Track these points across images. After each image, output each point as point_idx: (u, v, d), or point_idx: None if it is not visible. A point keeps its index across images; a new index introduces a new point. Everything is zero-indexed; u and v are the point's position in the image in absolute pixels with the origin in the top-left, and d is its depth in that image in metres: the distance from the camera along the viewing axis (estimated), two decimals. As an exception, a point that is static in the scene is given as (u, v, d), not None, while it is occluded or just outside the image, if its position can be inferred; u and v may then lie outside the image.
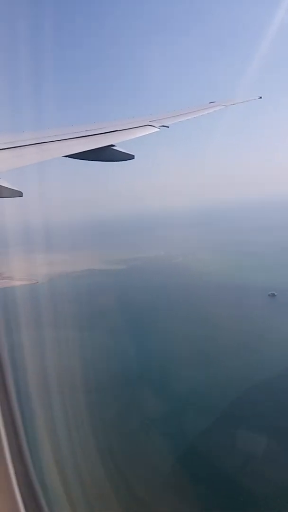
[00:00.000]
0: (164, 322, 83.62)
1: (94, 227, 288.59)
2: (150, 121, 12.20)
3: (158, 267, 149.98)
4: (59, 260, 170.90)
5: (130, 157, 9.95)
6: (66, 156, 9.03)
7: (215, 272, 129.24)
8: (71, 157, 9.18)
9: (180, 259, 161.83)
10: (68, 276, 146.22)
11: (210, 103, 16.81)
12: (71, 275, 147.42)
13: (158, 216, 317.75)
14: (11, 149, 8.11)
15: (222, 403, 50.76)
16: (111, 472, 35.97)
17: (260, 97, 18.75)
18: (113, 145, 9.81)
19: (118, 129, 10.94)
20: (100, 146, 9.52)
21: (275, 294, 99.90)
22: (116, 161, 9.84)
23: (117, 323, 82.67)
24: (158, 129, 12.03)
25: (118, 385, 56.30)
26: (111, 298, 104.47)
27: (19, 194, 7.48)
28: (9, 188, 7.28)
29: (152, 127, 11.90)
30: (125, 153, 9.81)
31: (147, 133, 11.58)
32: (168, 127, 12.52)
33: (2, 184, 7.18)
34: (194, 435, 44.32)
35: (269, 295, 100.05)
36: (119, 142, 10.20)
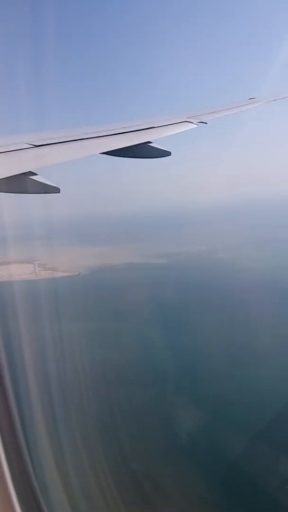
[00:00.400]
0: (212, 318, 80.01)
1: (132, 221, 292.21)
2: (188, 117, 12.11)
3: (200, 261, 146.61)
4: (99, 253, 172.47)
5: (166, 153, 9.94)
6: (103, 153, 9.15)
7: (262, 269, 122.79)
8: (108, 154, 9.29)
9: (222, 254, 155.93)
10: (109, 268, 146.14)
11: (249, 99, 16.47)
12: (112, 268, 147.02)
13: (195, 211, 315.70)
14: (49, 145, 8.29)
15: (273, 406, 49.25)
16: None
17: None
18: (149, 142, 9.83)
19: (155, 126, 10.94)
20: (137, 143, 9.56)
21: None
22: (153, 157, 9.86)
23: (161, 317, 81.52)
24: (196, 125, 11.93)
25: (156, 381, 56.25)
26: (154, 292, 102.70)
27: (56, 190, 7.65)
28: (47, 184, 7.47)
29: (190, 123, 11.81)
30: (161, 149, 9.81)
31: (185, 129, 11.52)
32: (206, 123, 12.38)
33: (40, 180, 7.36)
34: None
35: None
36: (156, 138, 10.21)
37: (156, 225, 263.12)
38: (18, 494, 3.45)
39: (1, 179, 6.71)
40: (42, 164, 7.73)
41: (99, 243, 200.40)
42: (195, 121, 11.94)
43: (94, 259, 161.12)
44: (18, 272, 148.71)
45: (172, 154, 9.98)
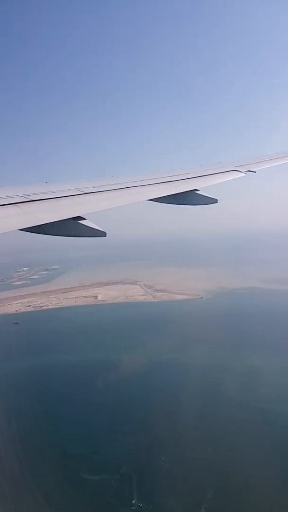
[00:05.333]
0: None
1: (230, 245, 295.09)
2: (236, 166, 12.28)
3: None
4: (207, 276, 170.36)
5: (213, 201, 10.06)
6: (150, 200, 9.43)
7: None
8: (155, 201, 9.55)
9: None
10: (230, 292, 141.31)
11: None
12: (234, 292, 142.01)
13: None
14: (99, 192, 8.71)
15: None
16: None
17: None
18: (196, 190, 10.03)
19: (203, 174, 11.18)
20: (184, 190, 9.79)
21: None
22: (199, 205, 10.00)
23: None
24: (245, 174, 12.04)
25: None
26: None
27: (103, 234, 7.94)
28: (94, 228, 7.77)
29: (238, 172, 11.95)
30: (208, 197, 9.94)
31: (233, 177, 11.64)
32: (255, 172, 12.47)
33: (88, 225, 7.70)
34: None
35: None
36: (204, 186, 10.40)
37: (253, 249, 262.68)
38: None
39: (51, 222, 7.12)
40: (91, 209, 8.08)
41: (188, 265, 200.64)
42: (243, 170, 12.07)
43: (207, 282, 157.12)
44: (128, 293, 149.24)
45: (218, 201, 10.10)
